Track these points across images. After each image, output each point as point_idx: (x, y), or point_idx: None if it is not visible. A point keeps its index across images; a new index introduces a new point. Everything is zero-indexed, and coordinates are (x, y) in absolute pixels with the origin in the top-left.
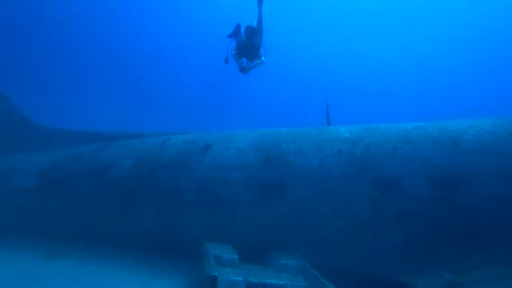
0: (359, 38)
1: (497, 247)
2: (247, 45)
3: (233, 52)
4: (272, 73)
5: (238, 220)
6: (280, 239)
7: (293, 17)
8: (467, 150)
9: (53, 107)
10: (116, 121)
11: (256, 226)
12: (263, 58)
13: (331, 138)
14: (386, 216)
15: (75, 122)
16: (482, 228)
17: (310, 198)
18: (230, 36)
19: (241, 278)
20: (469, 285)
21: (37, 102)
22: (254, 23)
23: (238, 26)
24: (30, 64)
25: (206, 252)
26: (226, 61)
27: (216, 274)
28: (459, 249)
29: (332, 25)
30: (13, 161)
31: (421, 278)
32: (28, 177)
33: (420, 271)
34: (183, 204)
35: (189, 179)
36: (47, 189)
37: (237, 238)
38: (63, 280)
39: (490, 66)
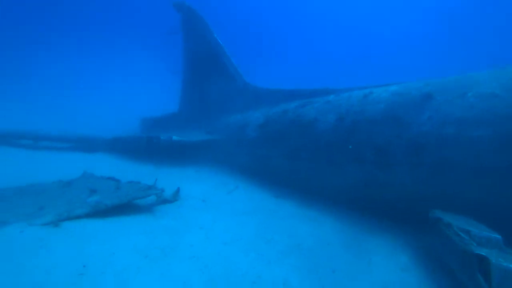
0: None
1: None
2: None
3: None
4: None
5: (472, 191)
6: None
7: None
8: None
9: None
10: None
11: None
12: None
13: None
14: None
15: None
16: None
17: None
18: None
19: None
20: None
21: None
22: None
23: None
24: None
25: (444, 221)
26: None
27: (488, 256)
28: None
29: None
30: (245, 117)
31: None
32: (253, 129)
33: None
34: (392, 162)
35: (400, 136)
36: (265, 140)
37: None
38: (290, 216)
39: None
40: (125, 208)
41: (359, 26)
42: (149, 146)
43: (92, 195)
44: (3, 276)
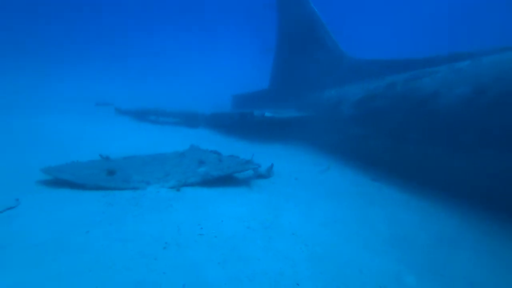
0: None
1: None
2: None
3: None
4: None
5: None
6: None
7: None
8: None
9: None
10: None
11: None
12: None
13: None
14: None
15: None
16: None
17: None
18: None
19: None
20: None
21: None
22: None
23: None
24: None
25: None
26: None
27: None
28: None
29: None
30: (340, 92)
31: None
32: (349, 106)
33: None
34: None
35: None
36: (363, 117)
37: None
38: (392, 203)
39: None
40: (227, 179)
41: None
42: (243, 122)
43: (201, 166)
44: (152, 224)
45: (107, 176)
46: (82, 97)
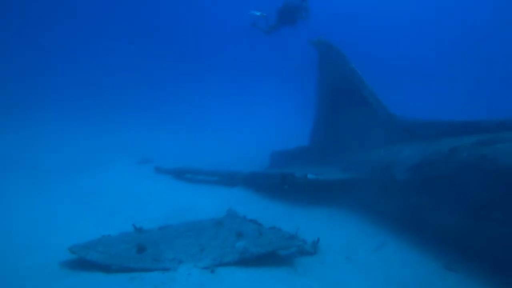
0: None
1: None
2: None
3: None
4: None
5: None
6: None
7: None
8: None
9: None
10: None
11: None
12: None
13: None
14: None
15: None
16: None
17: None
18: None
19: None
20: None
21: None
22: None
23: None
24: None
25: None
26: None
27: None
28: None
29: None
30: (391, 152)
31: None
32: (403, 170)
33: None
34: None
35: None
36: (421, 185)
37: None
38: None
39: None
40: (266, 257)
41: None
42: (283, 183)
43: (239, 240)
44: None
45: (137, 254)
46: (124, 150)
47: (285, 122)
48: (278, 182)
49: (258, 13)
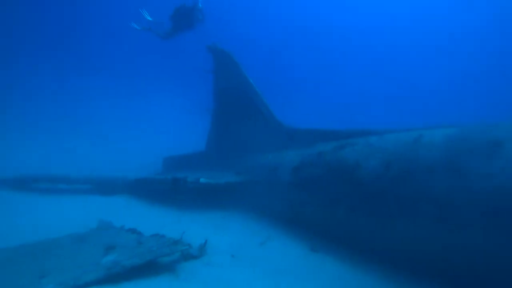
0: None
1: None
2: None
3: None
4: None
5: None
6: None
7: None
8: None
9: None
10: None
11: None
12: None
13: None
14: None
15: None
16: None
17: None
18: None
19: None
20: None
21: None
22: None
23: None
24: None
25: None
26: None
27: None
28: None
29: None
30: (278, 157)
31: None
32: (287, 172)
33: None
34: (460, 222)
35: (466, 190)
36: (300, 184)
37: None
38: (335, 280)
39: None
40: (144, 267)
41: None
42: (175, 188)
43: (108, 254)
44: None
45: None
46: None
47: (183, 127)
48: (170, 187)
49: (150, 18)
